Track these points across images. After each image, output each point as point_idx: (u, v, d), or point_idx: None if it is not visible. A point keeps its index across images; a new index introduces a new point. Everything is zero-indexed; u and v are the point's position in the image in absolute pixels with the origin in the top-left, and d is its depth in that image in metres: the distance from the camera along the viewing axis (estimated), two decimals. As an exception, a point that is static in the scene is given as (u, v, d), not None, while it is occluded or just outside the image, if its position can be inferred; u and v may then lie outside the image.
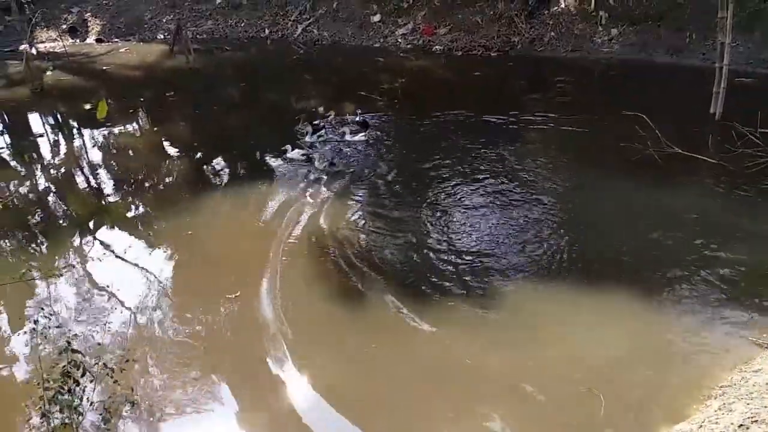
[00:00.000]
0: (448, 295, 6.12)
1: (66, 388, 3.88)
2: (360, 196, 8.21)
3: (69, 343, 4.23)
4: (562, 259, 6.63)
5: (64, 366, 3.99)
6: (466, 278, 6.36)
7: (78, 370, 3.95)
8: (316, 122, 10.33)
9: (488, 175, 8.48)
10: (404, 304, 5.99)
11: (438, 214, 7.63)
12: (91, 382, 4.09)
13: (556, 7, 14.26)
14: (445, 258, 6.72)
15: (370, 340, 5.60)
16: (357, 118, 10.53)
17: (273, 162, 9.38)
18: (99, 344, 5.36)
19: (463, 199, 7.96)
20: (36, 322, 4.40)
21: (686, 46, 12.56)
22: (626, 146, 8.32)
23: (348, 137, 9.99)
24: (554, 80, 12.53)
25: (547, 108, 10.91)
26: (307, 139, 9.91)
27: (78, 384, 3.94)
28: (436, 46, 14.91)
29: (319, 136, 10.00)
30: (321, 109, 10.97)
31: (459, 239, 7.08)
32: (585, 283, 6.17)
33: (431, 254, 6.80)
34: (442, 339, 5.59)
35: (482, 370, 5.20)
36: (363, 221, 7.52)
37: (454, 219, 7.53)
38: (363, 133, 10.07)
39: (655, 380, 5.02)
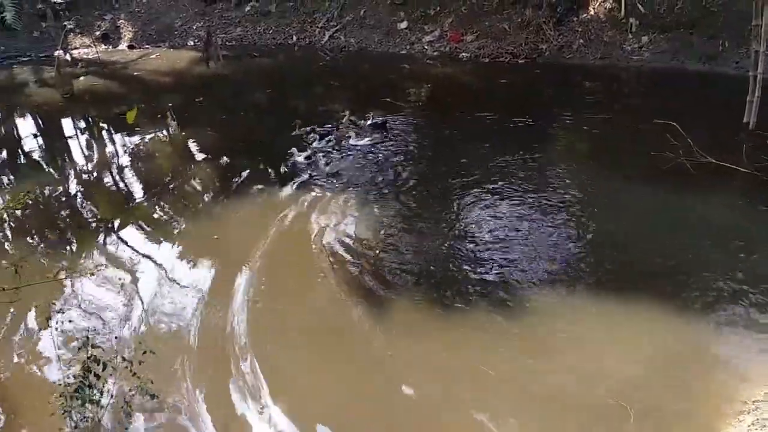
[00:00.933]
0: (469, 304, 6.03)
1: (87, 382, 3.90)
2: (382, 201, 8.15)
3: (88, 338, 4.26)
4: (589, 269, 6.49)
5: (84, 361, 4.01)
6: (488, 288, 6.26)
7: (98, 364, 3.97)
8: (320, 129, 10.36)
9: (513, 183, 8.35)
10: (425, 311, 5.92)
11: (459, 221, 7.55)
12: (111, 375, 4.11)
13: (585, 14, 14.10)
14: (468, 266, 6.63)
15: (389, 346, 5.53)
16: (369, 122, 10.54)
17: (294, 167, 9.41)
18: (116, 338, 5.39)
19: (486, 206, 7.85)
20: (57, 318, 4.43)
21: (719, 54, 12.29)
22: (657, 155, 8.15)
23: (353, 141, 10.01)
24: (583, 88, 12.38)
25: (576, 116, 10.76)
26: (315, 144, 9.94)
27: (99, 378, 3.95)
28: (463, 53, 14.85)
29: (328, 141, 10.02)
30: (346, 112, 10.96)
31: (481, 247, 6.98)
32: (613, 294, 6.03)
33: (452, 262, 6.72)
34: (463, 347, 5.49)
35: (504, 381, 5.10)
36: (386, 228, 7.45)
37: (477, 226, 7.43)
38: (368, 138, 10.09)
39: (685, 394, 4.87)
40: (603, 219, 7.43)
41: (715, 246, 6.64)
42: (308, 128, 10.41)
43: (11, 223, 8.00)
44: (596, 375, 5.11)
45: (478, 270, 6.56)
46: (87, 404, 3.85)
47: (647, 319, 5.70)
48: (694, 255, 6.54)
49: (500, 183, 8.36)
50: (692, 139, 8.22)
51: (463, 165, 8.95)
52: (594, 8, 14.03)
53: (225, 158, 9.83)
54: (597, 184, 8.21)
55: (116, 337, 5.12)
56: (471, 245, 7.02)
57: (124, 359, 4.06)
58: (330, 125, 10.52)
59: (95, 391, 3.82)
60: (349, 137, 10.12)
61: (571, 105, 11.49)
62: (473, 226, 7.46)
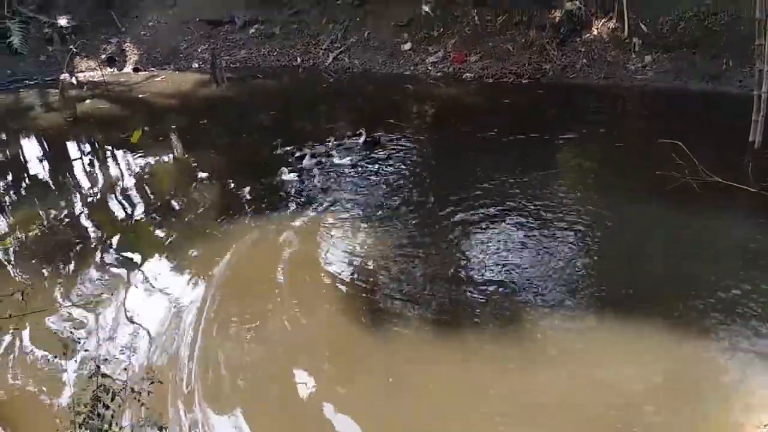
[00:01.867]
0: (472, 326, 5.99)
1: (96, 412, 3.86)
2: (378, 222, 8.13)
3: (98, 367, 4.22)
4: (593, 288, 6.46)
5: (93, 390, 3.97)
6: (491, 309, 6.22)
7: (107, 394, 3.93)
8: (304, 151, 10.48)
9: (516, 202, 8.33)
10: (427, 333, 5.87)
11: (461, 239, 7.52)
12: (119, 406, 4.07)
13: (588, 35, 14.19)
14: (469, 287, 6.60)
15: (391, 371, 5.47)
16: (361, 139, 10.66)
17: (287, 187, 9.46)
18: (125, 369, 5.37)
19: (488, 225, 7.82)
20: (66, 346, 4.41)
21: (722, 73, 12.33)
22: (663, 174, 8.14)
23: (337, 160, 10.18)
24: (587, 107, 12.43)
25: (580, 135, 10.79)
26: (305, 162, 10.05)
27: (107, 408, 3.92)
28: (467, 74, 14.93)
29: (318, 163, 10.11)
30: (331, 138, 11.09)
31: (482, 267, 6.95)
32: (619, 315, 5.98)
33: (454, 284, 6.69)
34: (467, 371, 5.44)
35: (507, 403, 5.04)
36: (383, 250, 7.42)
37: (478, 247, 7.40)
38: (349, 157, 10.25)
39: (694, 417, 4.82)
40: (608, 238, 7.42)
41: (722, 265, 6.60)
42: (290, 147, 10.60)
43: (17, 248, 8.00)
44: (602, 396, 5.05)
45: (480, 291, 6.53)
46: (96, 435, 3.81)
47: (653, 338, 5.66)
48: (701, 274, 6.50)
49: (503, 202, 8.34)
50: (697, 159, 8.21)
51: (465, 184, 8.93)
52: (597, 28, 14.13)
53: (228, 180, 9.85)
54: (602, 202, 8.19)
55: (125, 368, 5.10)
56: (472, 265, 6.99)
57: (132, 390, 4.03)
58: (319, 144, 10.64)
59: (104, 423, 3.78)
60: (331, 156, 10.26)
61: (575, 124, 11.52)
62: (474, 244, 7.44)
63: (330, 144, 10.76)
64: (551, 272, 6.75)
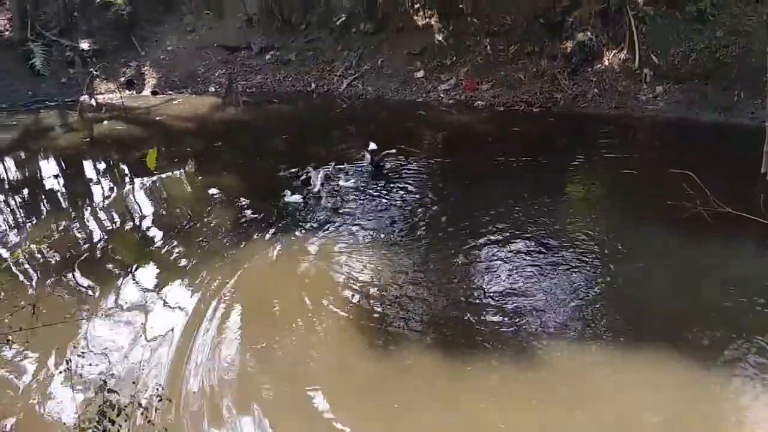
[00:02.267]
0: (483, 354, 5.96)
1: (101, 427, 3.89)
2: (392, 247, 8.14)
3: (105, 382, 4.26)
4: (603, 317, 6.41)
5: (100, 405, 4.00)
6: (500, 337, 6.20)
7: (113, 410, 3.96)
8: (302, 175, 10.65)
9: (526, 230, 8.34)
10: (438, 359, 5.86)
11: (469, 266, 7.52)
12: (126, 421, 4.09)
13: (599, 65, 14.32)
14: (477, 313, 6.58)
15: (396, 399, 5.45)
16: (365, 162, 10.89)
17: (301, 211, 9.55)
18: (134, 383, 5.39)
19: (497, 252, 7.81)
20: (69, 362, 4.44)
21: (734, 105, 12.37)
22: (674, 204, 8.11)
23: (342, 182, 10.43)
24: (598, 137, 12.46)
25: (591, 164, 10.83)
26: (317, 188, 10.20)
27: (113, 423, 3.94)
28: (478, 102, 15.08)
29: (322, 185, 10.27)
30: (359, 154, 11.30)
31: (492, 294, 6.92)
32: (630, 345, 5.94)
33: (461, 308, 6.67)
34: (473, 398, 5.41)
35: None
36: (393, 274, 7.43)
37: (487, 272, 7.40)
38: (353, 180, 10.47)
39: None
40: (618, 267, 7.38)
41: (736, 297, 6.55)
42: (294, 170, 10.86)
43: (29, 263, 8.10)
44: (613, 426, 4.99)
45: (489, 318, 6.50)
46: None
47: (663, 368, 5.60)
48: (714, 306, 6.46)
49: (512, 229, 8.34)
50: (709, 189, 8.17)
51: (475, 210, 8.97)
52: (608, 59, 14.25)
53: (240, 202, 9.95)
54: (612, 231, 8.18)
55: (133, 382, 5.11)
56: (481, 292, 6.97)
57: (140, 405, 4.06)
58: (324, 167, 10.84)
59: (110, 438, 3.81)
60: (337, 179, 10.49)
61: (585, 154, 11.57)
62: (483, 271, 7.43)
63: (330, 168, 10.96)
64: (561, 300, 6.73)
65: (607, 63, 14.25)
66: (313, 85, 17.86)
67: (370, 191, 10.04)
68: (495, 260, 7.67)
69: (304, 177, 10.53)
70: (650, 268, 7.36)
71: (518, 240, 8.08)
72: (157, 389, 4.91)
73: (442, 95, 15.81)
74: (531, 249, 7.85)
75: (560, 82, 14.43)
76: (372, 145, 10.99)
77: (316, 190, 10.15)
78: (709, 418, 5.06)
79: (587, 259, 7.52)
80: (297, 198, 9.86)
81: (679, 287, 6.87)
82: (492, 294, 6.94)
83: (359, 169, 10.91)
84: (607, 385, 5.52)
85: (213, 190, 10.30)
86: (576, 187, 10.11)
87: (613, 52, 14.27)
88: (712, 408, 5.19)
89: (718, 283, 6.85)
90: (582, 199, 9.72)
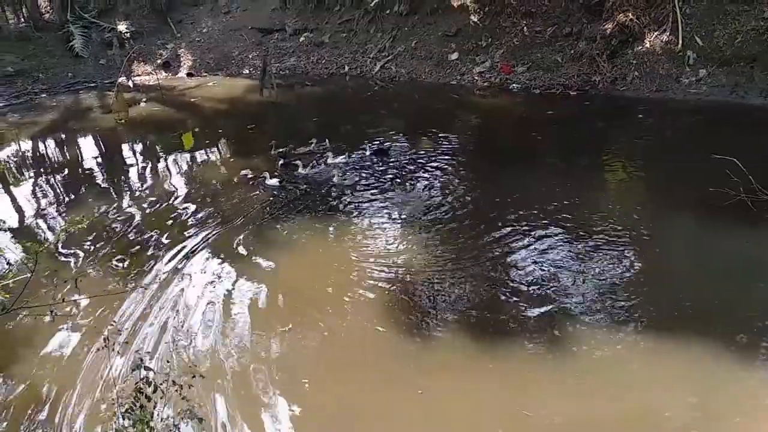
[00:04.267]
0: (514, 340, 5.89)
1: (138, 404, 3.97)
2: (414, 231, 8.09)
3: (142, 360, 4.35)
4: (640, 306, 6.25)
5: (137, 382, 4.09)
6: (533, 324, 6.11)
7: (150, 386, 4.04)
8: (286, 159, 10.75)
9: (561, 217, 8.17)
10: (468, 345, 5.82)
11: (502, 254, 7.40)
12: (161, 398, 4.17)
13: (640, 47, 13.90)
14: (511, 301, 6.50)
15: (423, 384, 5.44)
16: (368, 151, 11.01)
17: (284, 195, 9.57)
18: (168, 361, 5.49)
19: (530, 240, 7.65)
20: (107, 339, 4.54)
21: (782, 88, 11.91)
22: (716, 191, 7.88)
23: (330, 160, 10.61)
24: (637, 120, 12.15)
25: (630, 148, 10.57)
26: (329, 162, 10.54)
27: (149, 400, 4.02)
28: (514, 84, 14.83)
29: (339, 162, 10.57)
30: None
31: (526, 282, 6.81)
32: (665, 333, 5.78)
33: (495, 295, 6.60)
34: (502, 387, 5.36)
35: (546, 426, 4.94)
36: (422, 259, 7.39)
37: (521, 260, 7.27)
38: (342, 156, 10.69)
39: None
40: (657, 255, 7.20)
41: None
42: (283, 149, 11.18)
43: (70, 240, 8.30)
44: (645, 418, 4.89)
45: (523, 305, 6.40)
46: (137, 425, 3.92)
47: (700, 360, 5.45)
48: (753, 295, 6.25)
49: (547, 216, 8.18)
50: (753, 176, 7.92)
51: (507, 196, 8.82)
52: (650, 41, 13.82)
53: (273, 181, 10.02)
54: (651, 219, 7.97)
55: (168, 360, 5.21)
56: (515, 280, 6.87)
57: (174, 383, 4.13)
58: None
59: (146, 413, 3.88)
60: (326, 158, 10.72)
61: (625, 137, 11.31)
62: (517, 259, 7.31)
63: (312, 146, 11.32)
64: (593, 289, 6.59)
65: (648, 45, 13.82)
66: (346, 68, 17.82)
67: (404, 175, 9.97)
68: (526, 245, 7.54)
69: (283, 162, 10.59)
70: (689, 256, 7.16)
71: (552, 226, 7.94)
72: (191, 366, 4.99)
73: (476, 78, 15.60)
74: (565, 235, 7.71)
75: (599, 64, 14.06)
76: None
77: (330, 163, 10.46)
78: (746, 415, 4.91)
79: (622, 247, 7.35)
80: (275, 182, 9.95)
81: (718, 277, 6.65)
82: (522, 280, 6.83)
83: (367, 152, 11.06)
84: (636, 376, 5.40)
85: (245, 171, 10.37)
86: (613, 172, 9.87)
87: (655, 33, 13.83)
88: (749, 406, 5.03)
89: (760, 273, 6.62)
90: (619, 184, 9.49)
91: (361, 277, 7.06)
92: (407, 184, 9.59)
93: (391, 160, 10.63)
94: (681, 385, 5.23)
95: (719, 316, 6.00)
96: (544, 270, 6.98)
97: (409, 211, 8.68)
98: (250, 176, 10.21)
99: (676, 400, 5.06)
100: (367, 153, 11.01)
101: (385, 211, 8.77)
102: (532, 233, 7.78)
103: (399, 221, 8.43)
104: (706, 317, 5.99)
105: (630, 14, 14.06)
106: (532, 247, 7.50)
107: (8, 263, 7.73)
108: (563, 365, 5.53)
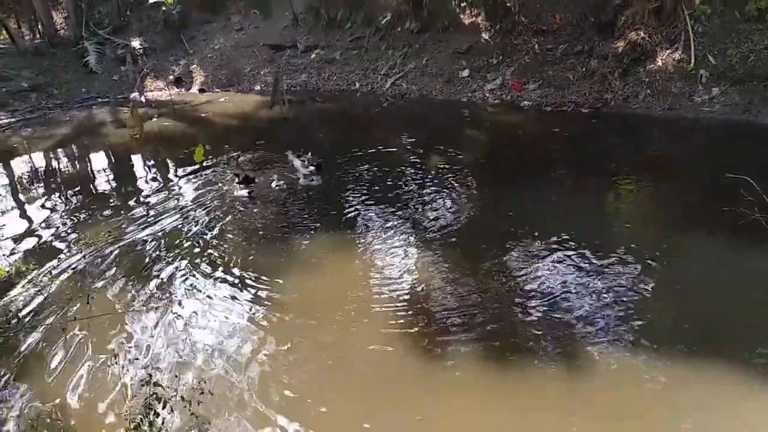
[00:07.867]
0: (529, 363, 5.79)
1: (147, 420, 3.94)
2: (427, 248, 8.04)
3: (150, 376, 4.32)
4: (654, 326, 6.16)
5: (146, 398, 4.06)
6: (544, 342, 6.02)
7: (159, 402, 4.01)
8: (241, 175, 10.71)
9: (573, 234, 8.07)
10: (477, 361, 5.74)
11: (512, 272, 7.32)
12: (170, 414, 4.13)
13: (652, 65, 13.88)
14: (521, 320, 6.41)
15: (432, 405, 5.34)
16: (305, 167, 11.08)
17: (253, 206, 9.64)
18: (176, 376, 5.44)
19: (543, 258, 7.54)
20: (116, 355, 4.52)
21: (796, 107, 11.83)
22: (729, 210, 7.79)
23: (302, 178, 10.87)
24: (649, 138, 12.09)
25: (642, 166, 10.49)
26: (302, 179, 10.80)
27: (158, 415, 3.99)
28: (525, 102, 14.83)
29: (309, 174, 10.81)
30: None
31: (537, 300, 6.73)
32: (680, 354, 5.69)
33: (505, 314, 6.51)
34: (521, 412, 5.27)
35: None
36: (428, 276, 7.33)
37: (531, 279, 7.18)
38: (283, 182, 10.80)
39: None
40: (669, 276, 7.08)
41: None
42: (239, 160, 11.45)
43: (85, 256, 8.31)
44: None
45: (535, 327, 6.30)
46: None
47: (721, 385, 5.34)
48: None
49: (559, 235, 8.08)
50: (767, 195, 7.82)
51: (519, 213, 8.76)
52: (662, 59, 13.80)
53: (281, 196, 10.03)
54: (663, 238, 7.87)
55: (176, 375, 5.17)
56: (526, 300, 6.78)
57: (183, 399, 4.09)
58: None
59: (155, 430, 3.85)
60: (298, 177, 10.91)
61: (636, 155, 11.24)
62: (528, 279, 7.21)
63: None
64: (606, 308, 6.49)
65: (660, 63, 13.79)
66: (357, 84, 17.91)
67: (410, 192, 9.94)
68: (537, 265, 7.44)
69: (241, 177, 10.61)
70: (703, 277, 7.04)
71: (564, 244, 7.85)
72: (199, 382, 4.94)
73: (487, 95, 15.62)
74: (577, 254, 7.62)
75: (611, 82, 14.05)
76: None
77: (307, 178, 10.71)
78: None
79: (635, 267, 7.25)
80: (244, 192, 10.15)
81: (736, 299, 6.54)
82: (534, 300, 6.74)
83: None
84: (651, 401, 5.29)
85: (254, 184, 10.42)
86: (625, 190, 9.80)
87: (667, 52, 13.81)
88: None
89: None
90: (632, 203, 9.41)
91: (367, 295, 7.00)
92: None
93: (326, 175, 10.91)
94: (701, 414, 5.10)
95: (739, 339, 5.88)
96: (555, 289, 6.89)
97: (418, 228, 8.63)
98: (251, 193, 10.26)
99: (700, 424, 4.94)
100: (305, 171, 11.05)
101: (392, 231, 8.70)
102: (544, 253, 7.69)
103: (407, 238, 8.37)
104: (725, 341, 5.88)
105: (642, 32, 14.07)
106: (544, 266, 7.41)
107: (20, 277, 7.73)
108: (576, 389, 5.43)
